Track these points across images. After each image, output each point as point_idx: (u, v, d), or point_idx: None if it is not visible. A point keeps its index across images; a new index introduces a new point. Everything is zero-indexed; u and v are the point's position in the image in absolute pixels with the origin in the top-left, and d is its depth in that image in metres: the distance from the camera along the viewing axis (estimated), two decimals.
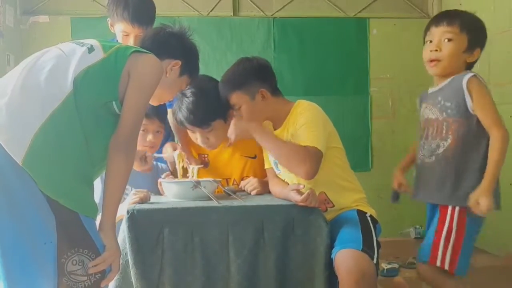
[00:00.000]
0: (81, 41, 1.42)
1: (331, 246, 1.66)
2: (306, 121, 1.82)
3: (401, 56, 4.61)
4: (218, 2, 4.56)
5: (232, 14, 4.62)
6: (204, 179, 1.91)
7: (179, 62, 1.62)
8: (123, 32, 2.23)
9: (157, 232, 1.63)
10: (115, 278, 1.51)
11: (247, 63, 1.96)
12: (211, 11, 4.58)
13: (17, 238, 1.24)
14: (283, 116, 1.93)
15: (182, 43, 1.67)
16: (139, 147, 2.05)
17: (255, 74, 1.92)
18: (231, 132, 1.93)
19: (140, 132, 2.08)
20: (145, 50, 1.45)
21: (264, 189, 2.04)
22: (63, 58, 1.35)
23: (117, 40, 2.38)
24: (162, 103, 1.74)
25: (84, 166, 1.33)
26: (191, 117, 2.01)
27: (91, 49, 1.37)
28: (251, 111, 1.91)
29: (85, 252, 1.29)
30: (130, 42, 2.22)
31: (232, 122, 1.95)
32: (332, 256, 1.62)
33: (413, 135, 4.64)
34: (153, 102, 1.64)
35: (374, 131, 4.68)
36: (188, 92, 2.00)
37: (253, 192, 2.03)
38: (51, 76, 1.30)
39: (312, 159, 1.75)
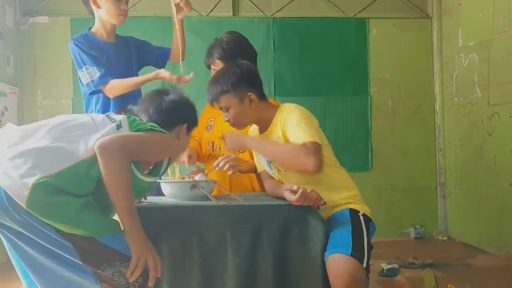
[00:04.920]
0: (113, 117, 1.52)
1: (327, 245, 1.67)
2: (298, 120, 1.85)
3: (400, 56, 4.57)
4: (218, 3, 4.57)
5: (231, 14, 4.63)
6: (202, 179, 1.92)
7: (186, 124, 1.71)
8: None
9: (155, 231, 1.63)
10: None
11: (237, 67, 1.98)
12: (210, 11, 4.58)
13: (55, 268, 1.33)
14: (268, 120, 1.97)
15: (184, 108, 1.74)
16: None
17: (244, 79, 1.95)
18: (226, 145, 1.95)
19: None
20: (159, 128, 1.55)
21: (242, 166, 2.08)
22: (92, 127, 1.45)
23: (89, 29, 2.55)
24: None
25: (88, 202, 1.36)
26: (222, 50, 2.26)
27: (119, 126, 1.48)
28: (239, 114, 1.94)
29: (117, 264, 1.33)
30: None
31: (227, 136, 1.97)
32: (324, 259, 1.64)
33: (413, 136, 4.74)
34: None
35: (373, 131, 4.66)
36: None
37: (229, 172, 2.05)
38: (73, 140, 1.39)
39: (315, 152, 1.78)
